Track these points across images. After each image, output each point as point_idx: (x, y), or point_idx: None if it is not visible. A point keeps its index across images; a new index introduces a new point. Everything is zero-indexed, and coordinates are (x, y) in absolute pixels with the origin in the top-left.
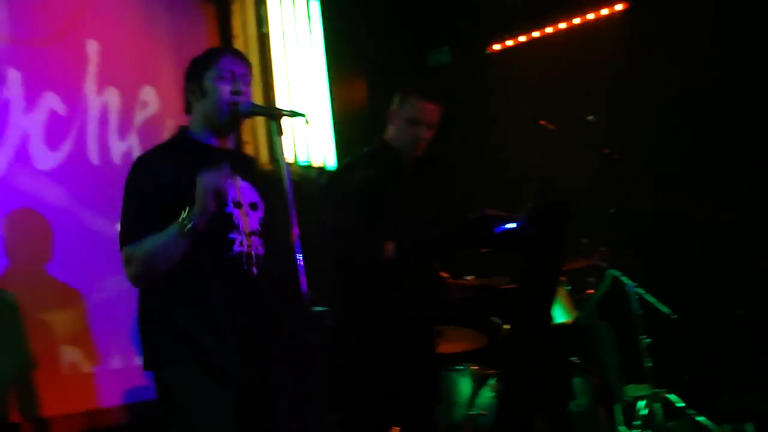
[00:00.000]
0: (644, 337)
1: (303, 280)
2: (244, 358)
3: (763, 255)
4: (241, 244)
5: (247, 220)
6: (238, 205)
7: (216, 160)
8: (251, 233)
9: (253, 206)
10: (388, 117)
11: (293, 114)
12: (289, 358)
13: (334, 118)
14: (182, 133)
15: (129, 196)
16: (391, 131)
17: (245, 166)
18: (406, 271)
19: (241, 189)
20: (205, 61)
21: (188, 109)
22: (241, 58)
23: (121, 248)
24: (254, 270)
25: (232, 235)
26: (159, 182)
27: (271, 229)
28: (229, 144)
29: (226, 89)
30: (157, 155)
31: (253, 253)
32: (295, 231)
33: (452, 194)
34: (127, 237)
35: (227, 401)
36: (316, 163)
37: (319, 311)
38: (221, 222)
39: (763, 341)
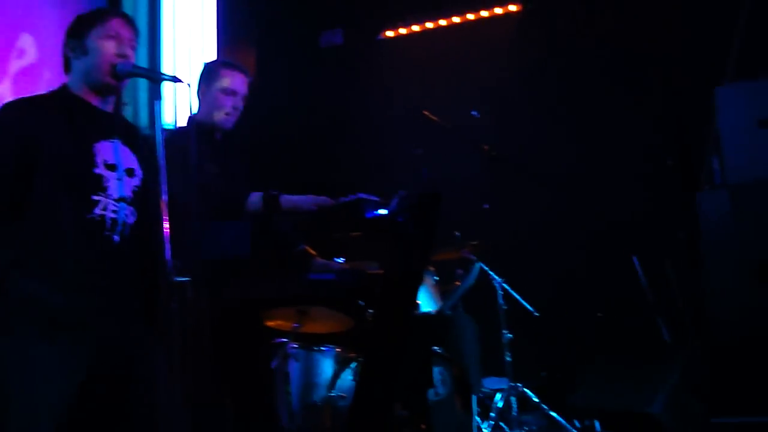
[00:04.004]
0: (506, 332)
1: (168, 248)
2: (98, 316)
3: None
4: (104, 208)
5: (118, 185)
6: (111, 167)
7: (96, 119)
8: (120, 199)
9: (129, 172)
10: (198, 96)
11: (174, 79)
12: (147, 330)
13: None
14: (63, 89)
15: None
16: (203, 107)
17: (128, 132)
18: (273, 249)
19: (118, 152)
20: (91, 19)
21: (67, 67)
22: (130, 22)
23: None
24: (115, 237)
25: (95, 197)
26: (17, 135)
27: (146, 199)
28: (109, 107)
29: (110, 49)
30: (25, 107)
31: (119, 219)
32: (165, 198)
33: (330, 174)
34: None
35: (70, 360)
36: None
37: (181, 281)
38: (86, 182)
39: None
